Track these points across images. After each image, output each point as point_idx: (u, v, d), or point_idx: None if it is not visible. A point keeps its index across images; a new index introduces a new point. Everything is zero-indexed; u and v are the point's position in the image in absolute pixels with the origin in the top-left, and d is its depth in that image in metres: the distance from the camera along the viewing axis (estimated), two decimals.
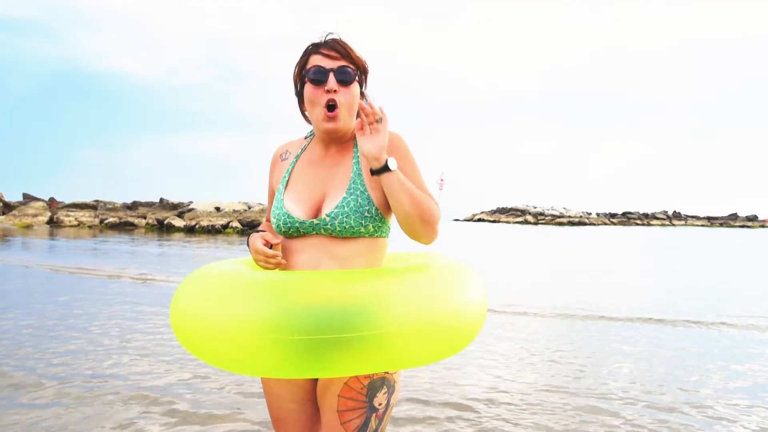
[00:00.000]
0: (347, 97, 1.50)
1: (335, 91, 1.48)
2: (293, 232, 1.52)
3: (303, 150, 1.64)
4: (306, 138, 1.68)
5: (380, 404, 1.46)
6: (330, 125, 1.50)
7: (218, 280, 1.34)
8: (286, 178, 1.60)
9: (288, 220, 1.51)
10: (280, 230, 1.54)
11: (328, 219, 1.47)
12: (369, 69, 1.58)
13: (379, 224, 1.51)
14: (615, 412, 3.57)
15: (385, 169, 1.41)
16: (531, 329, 6.21)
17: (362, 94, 1.57)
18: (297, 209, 1.52)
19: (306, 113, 1.61)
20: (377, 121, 1.42)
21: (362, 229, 1.48)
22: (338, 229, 1.47)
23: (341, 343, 1.17)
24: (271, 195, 1.69)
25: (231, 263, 1.54)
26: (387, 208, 1.53)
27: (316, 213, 1.52)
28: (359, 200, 1.48)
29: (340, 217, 1.46)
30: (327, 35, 1.54)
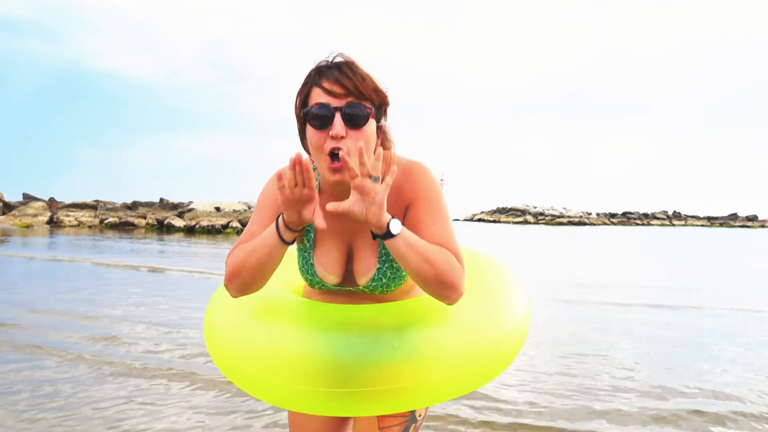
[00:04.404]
0: (358, 142, 1.15)
1: (342, 137, 1.18)
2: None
3: (318, 182, 1.37)
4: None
5: (420, 415, 1.42)
6: (336, 177, 1.21)
7: (253, 302, 1.33)
8: (312, 233, 1.37)
9: (323, 287, 1.40)
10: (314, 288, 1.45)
11: (367, 290, 1.36)
12: (389, 101, 1.29)
13: None
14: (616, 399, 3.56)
15: (388, 235, 1.14)
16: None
17: (380, 128, 1.30)
18: (329, 276, 1.37)
19: (310, 155, 1.31)
20: (371, 178, 1.10)
21: (402, 287, 1.39)
22: (378, 294, 1.37)
23: (376, 393, 1.14)
24: (265, 219, 1.33)
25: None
26: None
27: (350, 276, 1.37)
28: (394, 266, 1.32)
29: (380, 288, 1.34)
30: (334, 57, 1.24)
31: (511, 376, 4.29)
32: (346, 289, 1.38)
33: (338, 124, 1.18)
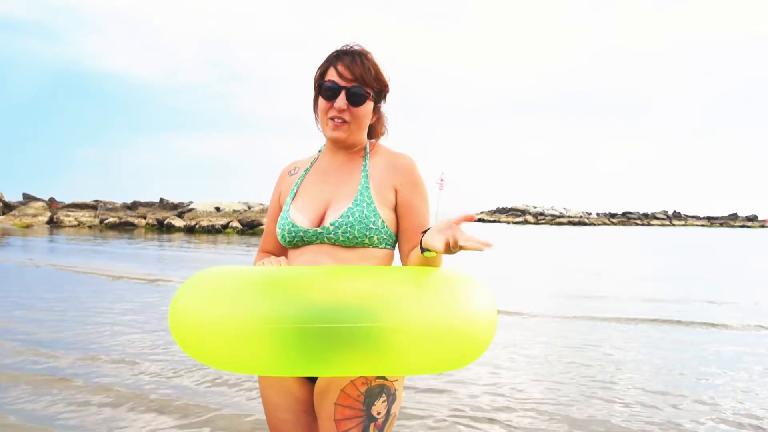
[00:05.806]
0: (356, 116, 1.51)
1: (343, 109, 1.50)
2: (297, 241, 1.51)
3: (313, 163, 1.66)
4: (318, 152, 1.69)
5: (379, 413, 1.41)
6: (335, 134, 1.52)
7: (216, 277, 1.32)
8: (294, 191, 1.60)
9: (292, 229, 1.50)
10: (285, 240, 1.53)
11: (331, 228, 1.45)
12: (389, 88, 1.58)
13: (384, 237, 1.50)
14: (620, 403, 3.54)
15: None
16: (532, 330, 6.18)
17: (377, 109, 1.59)
18: (301, 218, 1.52)
19: (317, 118, 1.63)
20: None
21: (366, 240, 1.46)
22: (341, 238, 1.45)
23: (338, 334, 1.13)
24: (274, 211, 1.68)
25: (231, 266, 1.51)
26: (395, 224, 1.53)
27: (320, 221, 1.51)
28: (365, 211, 1.47)
29: (344, 226, 1.45)
30: (352, 46, 1.53)
31: (509, 398, 4.28)
32: (311, 238, 1.48)
33: (341, 99, 1.49)
